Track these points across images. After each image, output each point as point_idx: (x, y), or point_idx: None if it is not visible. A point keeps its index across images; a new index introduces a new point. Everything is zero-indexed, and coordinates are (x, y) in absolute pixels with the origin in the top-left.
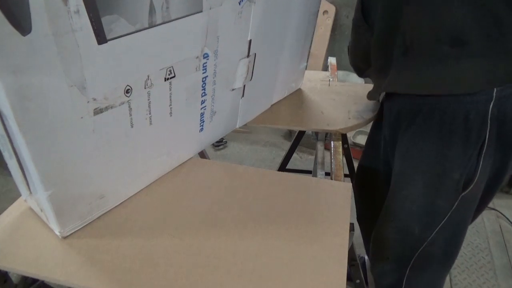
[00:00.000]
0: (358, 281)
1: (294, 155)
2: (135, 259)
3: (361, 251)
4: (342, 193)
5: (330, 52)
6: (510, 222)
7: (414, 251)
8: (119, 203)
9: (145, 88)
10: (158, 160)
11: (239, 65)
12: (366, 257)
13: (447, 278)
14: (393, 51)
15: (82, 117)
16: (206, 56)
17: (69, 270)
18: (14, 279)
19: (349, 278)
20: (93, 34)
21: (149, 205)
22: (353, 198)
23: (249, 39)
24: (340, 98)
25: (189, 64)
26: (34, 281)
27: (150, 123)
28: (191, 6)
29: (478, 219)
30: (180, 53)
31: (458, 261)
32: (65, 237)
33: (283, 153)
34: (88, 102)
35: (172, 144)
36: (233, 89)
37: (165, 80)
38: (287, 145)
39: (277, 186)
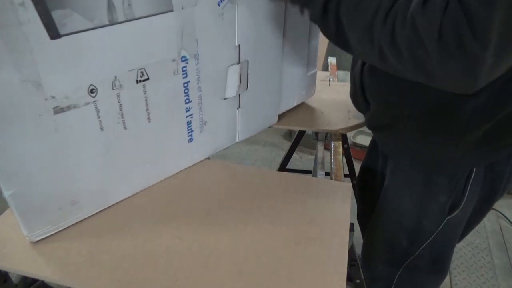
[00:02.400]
0: (358, 281)
1: (294, 155)
2: (135, 259)
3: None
4: (342, 193)
5: (330, 52)
6: (510, 222)
7: (402, 261)
8: (96, 211)
9: (113, 89)
10: (141, 169)
11: (228, 72)
12: None
13: (447, 278)
14: None
15: (40, 115)
16: (184, 59)
17: (69, 270)
18: (14, 279)
19: (349, 278)
20: (43, 28)
21: (149, 205)
22: (353, 198)
23: (237, 44)
24: (340, 98)
25: (165, 67)
26: (34, 281)
27: (125, 128)
28: (158, 5)
29: (477, 224)
30: (152, 55)
31: (458, 261)
32: (34, 243)
33: (283, 153)
34: (46, 99)
35: (156, 153)
36: (225, 98)
37: (137, 83)
38: (287, 145)
39: (277, 186)
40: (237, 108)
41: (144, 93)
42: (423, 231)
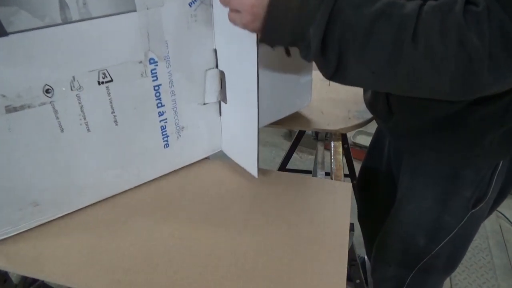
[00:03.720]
0: (358, 281)
1: (294, 155)
2: (135, 259)
3: (361, 251)
4: (342, 193)
5: None
6: (510, 222)
7: (417, 262)
8: (60, 214)
9: (71, 90)
10: (111, 173)
11: (206, 76)
12: (366, 257)
13: (447, 278)
14: None
15: None
16: (153, 61)
17: (69, 270)
18: (14, 279)
19: (349, 278)
20: None
21: (149, 205)
22: (354, 198)
23: (214, 47)
24: (340, 98)
25: (131, 69)
26: (34, 281)
27: (88, 130)
28: (118, 5)
29: (487, 217)
30: (115, 56)
31: None
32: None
33: (283, 153)
34: None
35: (127, 157)
36: (204, 104)
37: (99, 84)
38: (287, 145)
39: (277, 186)
40: (219, 115)
41: (108, 95)
42: (444, 227)
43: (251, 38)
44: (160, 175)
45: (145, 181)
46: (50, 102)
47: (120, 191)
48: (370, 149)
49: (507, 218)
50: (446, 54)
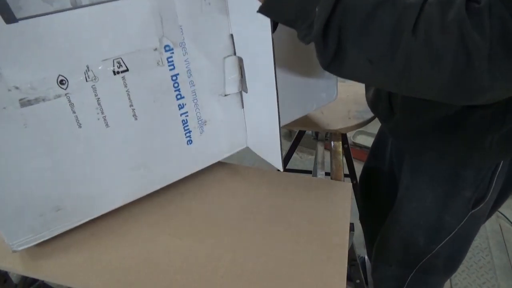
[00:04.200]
0: (358, 281)
1: (294, 155)
2: (135, 259)
3: (361, 251)
4: (342, 193)
5: None
6: (510, 222)
7: (417, 261)
8: (85, 220)
9: (86, 81)
10: (134, 173)
11: (225, 65)
12: (366, 257)
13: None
14: None
15: (5, 107)
16: (168, 48)
17: (69, 270)
18: (14, 279)
19: (349, 278)
20: None
21: (149, 205)
22: (354, 198)
23: (230, 33)
24: (340, 98)
25: (146, 57)
26: (34, 281)
27: (107, 125)
28: None
29: (488, 218)
30: (128, 43)
31: None
32: (15, 251)
33: (283, 153)
34: (9, 90)
35: (148, 155)
36: (225, 95)
37: (115, 74)
38: (287, 145)
39: (277, 186)
40: (242, 108)
41: (125, 86)
42: (444, 227)
43: (265, 20)
44: (185, 175)
45: (170, 182)
46: (66, 95)
47: (146, 193)
48: (373, 149)
49: (507, 218)
50: (445, 48)
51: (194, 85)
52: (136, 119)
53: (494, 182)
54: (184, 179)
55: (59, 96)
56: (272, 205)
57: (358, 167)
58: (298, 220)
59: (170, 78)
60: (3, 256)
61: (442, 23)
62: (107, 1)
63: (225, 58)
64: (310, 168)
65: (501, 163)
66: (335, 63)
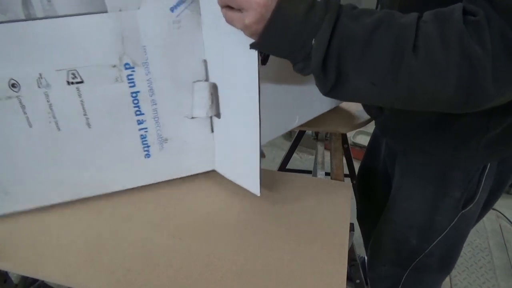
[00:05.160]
0: (358, 281)
1: (294, 155)
2: (135, 259)
3: (361, 251)
4: (342, 193)
5: None
6: (510, 222)
7: (410, 261)
8: (32, 206)
9: (39, 87)
10: (84, 174)
11: (194, 89)
12: (366, 257)
13: (447, 278)
14: None
15: None
16: (128, 67)
17: (69, 270)
18: (14, 279)
19: (349, 278)
20: None
21: (149, 205)
22: (354, 198)
23: (203, 58)
24: None
25: (104, 72)
26: (34, 281)
27: (58, 129)
28: (86, 4)
29: (481, 218)
30: (85, 57)
31: (458, 261)
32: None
33: (283, 153)
34: None
35: (103, 161)
36: (193, 117)
37: (68, 84)
38: (287, 145)
39: (277, 186)
40: (211, 132)
41: (79, 96)
42: (435, 227)
43: (252, 53)
44: (141, 184)
45: (124, 188)
46: (17, 97)
47: (99, 193)
48: (368, 148)
49: (507, 218)
50: (448, 64)
51: (156, 104)
52: (89, 127)
53: (483, 183)
54: (184, 179)
55: (10, 97)
56: (272, 205)
57: (358, 167)
58: (298, 220)
59: (130, 94)
60: (3, 256)
61: (442, 39)
62: (62, 16)
63: (194, 82)
64: (310, 168)
65: (488, 165)
66: (337, 89)
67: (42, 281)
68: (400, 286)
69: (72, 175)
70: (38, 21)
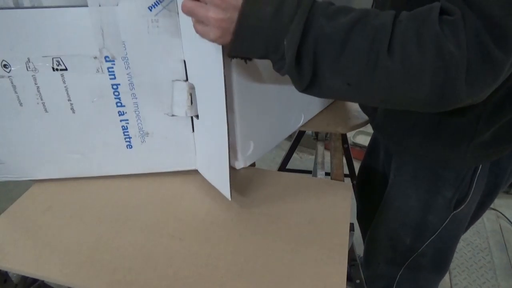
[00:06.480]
0: (358, 281)
1: (294, 155)
2: (135, 259)
3: (361, 251)
4: (342, 193)
5: None
6: (510, 222)
7: (404, 260)
8: (25, 178)
9: (27, 70)
10: (70, 156)
11: (174, 88)
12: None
13: (447, 278)
14: None
15: None
16: (108, 59)
17: (69, 270)
18: (14, 279)
19: (349, 278)
20: None
21: (149, 205)
22: (354, 198)
23: (182, 58)
24: None
25: (85, 62)
26: (34, 281)
27: (45, 111)
28: None
29: (478, 219)
30: (68, 46)
31: (458, 261)
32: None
33: (283, 153)
34: None
35: (88, 145)
36: (173, 115)
37: (53, 70)
38: (287, 145)
39: (277, 186)
40: (192, 131)
41: (64, 82)
42: (428, 227)
43: (217, 50)
44: (123, 173)
45: (108, 174)
46: (8, 77)
47: (84, 175)
48: (368, 148)
49: (507, 218)
50: (423, 64)
51: (136, 98)
52: (73, 112)
53: (475, 183)
54: (183, 179)
55: (2, 77)
56: (272, 205)
57: (358, 167)
58: (298, 220)
59: (111, 86)
60: (3, 256)
61: (418, 40)
62: (47, 7)
63: (174, 81)
64: (310, 168)
65: (480, 166)
66: (312, 87)
67: (42, 281)
68: (395, 285)
69: (58, 155)
70: (25, 9)
